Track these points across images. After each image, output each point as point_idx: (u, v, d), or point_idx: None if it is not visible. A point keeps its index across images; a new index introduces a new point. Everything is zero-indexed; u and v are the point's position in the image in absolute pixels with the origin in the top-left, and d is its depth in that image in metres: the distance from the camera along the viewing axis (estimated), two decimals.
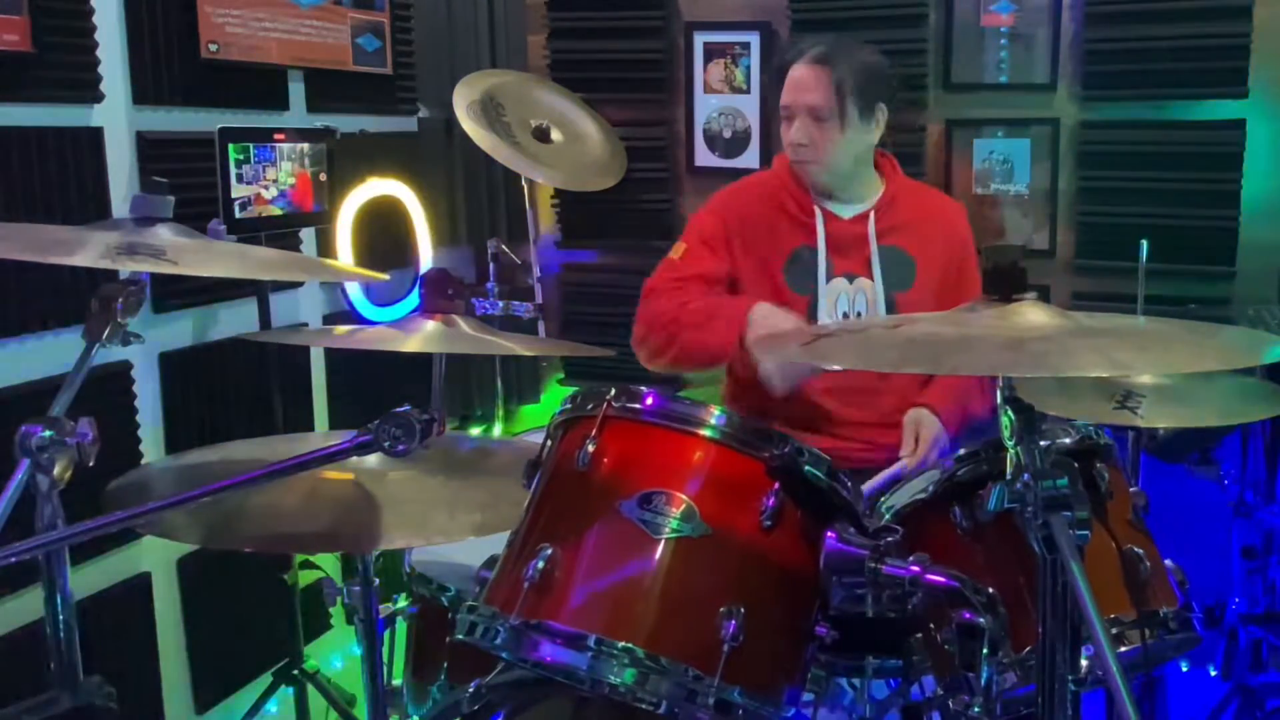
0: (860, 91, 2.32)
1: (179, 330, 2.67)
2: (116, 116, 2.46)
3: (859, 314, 2.35)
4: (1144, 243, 2.36)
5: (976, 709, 1.35)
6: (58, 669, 1.49)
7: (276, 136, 2.71)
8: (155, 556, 2.59)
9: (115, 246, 1.41)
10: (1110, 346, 1.23)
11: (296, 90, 2.98)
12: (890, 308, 2.37)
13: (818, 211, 2.39)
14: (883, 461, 2.29)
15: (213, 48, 2.62)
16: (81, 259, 1.37)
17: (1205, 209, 3.04)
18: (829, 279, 2.37)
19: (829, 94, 2.30)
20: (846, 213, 2.41)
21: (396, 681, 2.07)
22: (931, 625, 1.49)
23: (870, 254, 2.37)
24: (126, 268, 1.45)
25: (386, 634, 1.95)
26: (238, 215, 2.60)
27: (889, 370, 2.14)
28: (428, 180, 3.47)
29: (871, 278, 2.37)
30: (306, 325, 3.04)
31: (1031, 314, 1.26)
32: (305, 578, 2.76)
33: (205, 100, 2.67)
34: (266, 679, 2.76)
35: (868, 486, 2.06)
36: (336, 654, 3.13)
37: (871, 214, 2.40)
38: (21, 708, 1.40)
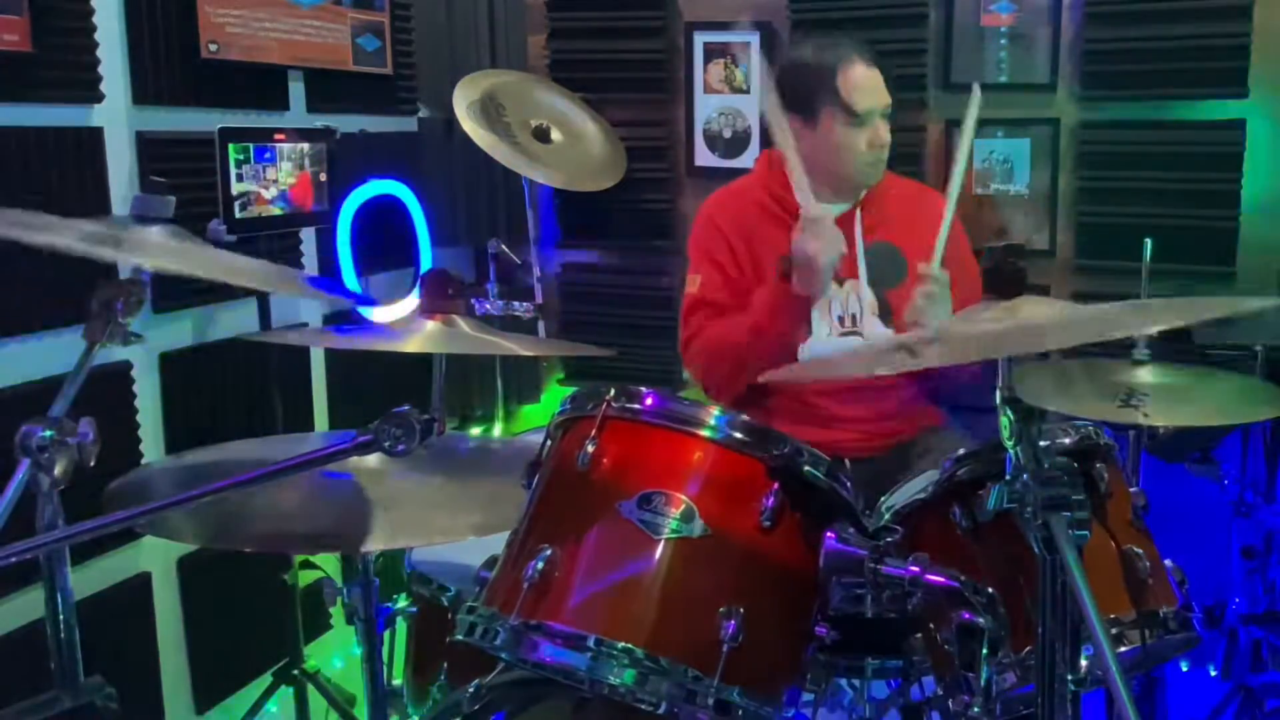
0: None
1: (179, 330, 2.67)
2: (116, 116, 2.46)
3: (853, 316, 2.34)
4: (1148, 241, 2.36)
5: (976, 709, 1.35)
6: (58, 669, 1.50)
7: (276, 136, 2.71)
8: (155, 556, 2.59)
9: (91, 234, 1.39)
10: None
11: (296, 90, 2.98)
12: (883, 306, 2.36)
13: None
14: (879, 449, 2.30)
15: (213, 48, 2.62)
16: (46, 238, 1.36)
17: (1205, 209, 3.04)
18: None
19: (887, 91, 2.34)
20: (832, 212, 2.40)
21: (396, 681, 2.08)
22: (931, 625, 1.49)
23: (856, 254, 2.36)
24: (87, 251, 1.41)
25: (386, 634, 1.95)
26: (238, 215, 2.60)
27: (888, 373, 2.14)
28: (428, 180, 3.47)
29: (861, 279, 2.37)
30: (306, 325, 3.04)
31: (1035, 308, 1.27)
32: (305, 578, 2.76)
33: (205, 100, 2.67)
34: (266, 679, 2.76)
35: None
36: (336, 654, 3.12)
37: (857, 211, 2.39)
38: (21, 708, 1.40)
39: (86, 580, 2.38)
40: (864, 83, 2.30)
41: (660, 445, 1.41)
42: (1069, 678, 1.21)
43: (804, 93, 2.33)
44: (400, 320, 3.14)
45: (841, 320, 2.34)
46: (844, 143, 2.33)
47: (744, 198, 2.46)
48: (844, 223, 2.38)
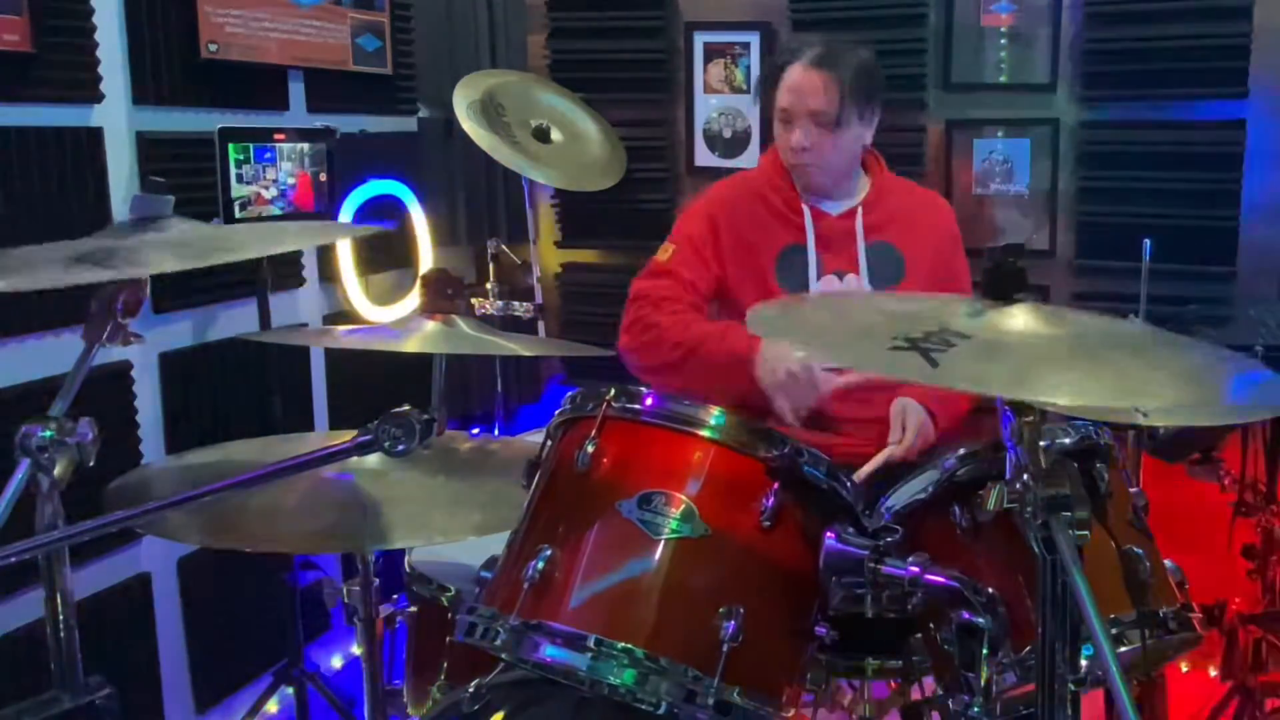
0: (858, 93, 2.32)
1: (179, 330, 2.67)
2: (116, 116, 2.46)
3: None
4: (1147, 242, 2.36)
5: (976, 709, 1.35)
6: (58, 669, 1.49)
7: (276, 136, 2.71)
8: (155, 556, 2.59)
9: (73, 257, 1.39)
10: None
11: (296, 90, 2.98)
12: None
13: (806, 209, 2.40)
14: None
15: (213, 48, 2.62)
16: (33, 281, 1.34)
17: (1206, 209, 3.04)
18: (819, 277, 2.39)
19: (831, 98, 2.31)
20: (834, 209, 2.43)
21: (396, 681, 2.08)
22: (931, 625, 1.49)
23: (858, 250, 2.38)
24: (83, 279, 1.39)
25: (387, 634, 1.95)
26: (238, 215, 2.60)
27: (880, 374, 2.14)
28: (428, 180, 3.47)
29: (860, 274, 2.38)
30: (306, 325, 3.04)
31: (1024, 319, 1.25)
32: (305, 578, 2.76)
33: (205, 100, 2.67)
34: (266, 679, 2.76)
35: (861, 473, 2.06)
36: (336, 654, 3.13)
37: (859, 209, 2.41)
38: (21, 708, 1.40)
39: (86, 580, 2.38)
40: (791, 83, 2.33)
41: (660, 445, 1.41)
42: (1069, 678, 1.21)
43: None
44: (400, 320, 3.14)
45: None
46: (778, 136, 2.40)
47: (748, 189, 2.49)
48: (846, 219, 2.41)
